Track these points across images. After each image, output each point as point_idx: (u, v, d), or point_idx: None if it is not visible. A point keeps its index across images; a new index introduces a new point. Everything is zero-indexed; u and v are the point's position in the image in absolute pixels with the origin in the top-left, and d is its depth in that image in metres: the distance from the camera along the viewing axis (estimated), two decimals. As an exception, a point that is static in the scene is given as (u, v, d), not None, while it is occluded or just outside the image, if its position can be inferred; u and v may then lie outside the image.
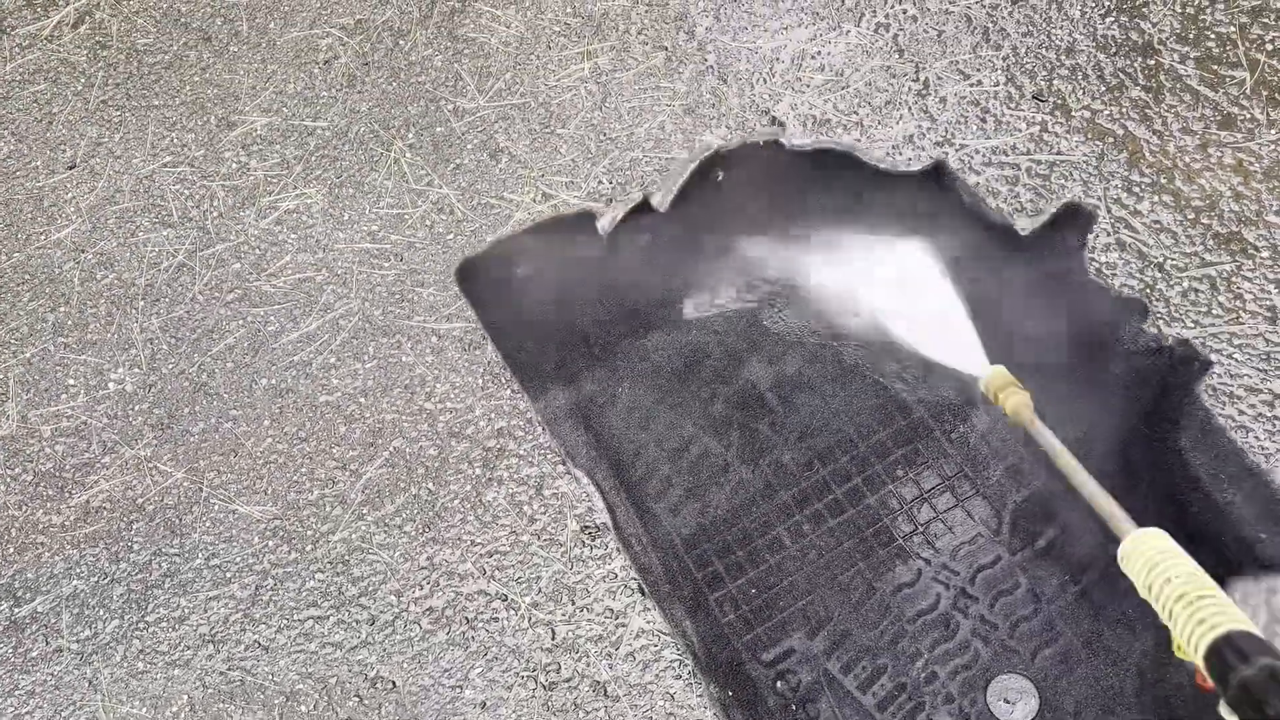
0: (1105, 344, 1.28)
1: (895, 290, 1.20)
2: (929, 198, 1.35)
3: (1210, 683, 0.64)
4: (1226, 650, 0.62)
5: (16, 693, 1.25)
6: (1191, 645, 0.65)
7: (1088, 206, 1.33)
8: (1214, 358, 1.23)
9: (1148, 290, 1.29)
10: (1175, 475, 1.21)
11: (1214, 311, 1.26)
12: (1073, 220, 1.31)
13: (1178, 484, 1.21)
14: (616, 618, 1.22)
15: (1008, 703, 1.18)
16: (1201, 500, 1.18)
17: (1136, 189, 1.36)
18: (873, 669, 1.21)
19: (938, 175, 1.35)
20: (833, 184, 1.44)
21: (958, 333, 1.09)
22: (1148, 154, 1.38)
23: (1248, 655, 0.61)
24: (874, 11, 1.57)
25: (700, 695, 1.18)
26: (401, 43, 1.69)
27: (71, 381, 1.45)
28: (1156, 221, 1.33)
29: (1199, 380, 1.20)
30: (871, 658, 1.21)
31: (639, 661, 1.19)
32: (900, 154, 1.43)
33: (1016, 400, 0.95)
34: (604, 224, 1.38)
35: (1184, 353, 1.21)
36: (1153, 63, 1.45)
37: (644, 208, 1.40)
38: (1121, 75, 1.44)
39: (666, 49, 1.60)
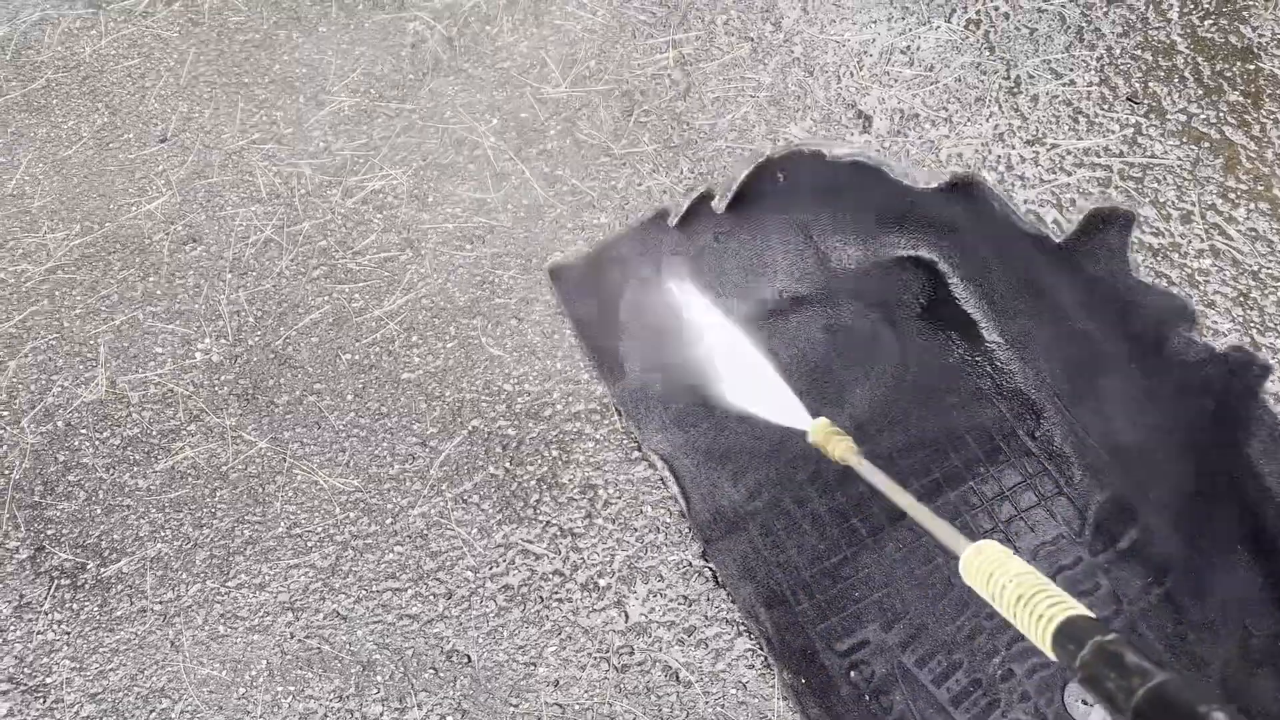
0: (1155, 352, 1.25)
1: (716, 361, 1.26)
2: (957, 212, 1.33)
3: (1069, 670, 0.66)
4: (1064, 639, 0.64)
5: (101, 650, 1.28)
6: (1040, 642, 0.67)
7: (1123, 209, 1.29)
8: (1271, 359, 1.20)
9: (1241, 299, 1.27)
10: (1247, 485, 1.19)
11: (1312, 320, 1.23)
12: (1109, 224, 1.28)
13: (1250, 495, 1.19)
14: (690, 604, 1.22)
15: (1086, 704, 1.16)
16: (1275, 510, 1.16)
17: (1232, 195, 1.33)
18: (948, 664, 1.20)
19: (966, 189, 1.29)
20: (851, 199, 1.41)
21: (778, 394, 1.17)
22: (1244, 160, 1.36)
23: (1082, 639, 0.62)
24: (965, 7, 1.56)
25: (772, 685, 1.18)
26: (488, 28, 1.70)
27: (159, 350, 1.48)
28: (1252, 229, 1.30)
29: (1260, 385, 1.17)
30: (947, 652, 1.20)
31: (712, 649, 1.19)
32: (939, 167, 1.42)
33: (843, 446, 1.03)
34: (671, 219, 1.38)
35: (1241, 358, 1.18)
36: (1252, 67, 1.42)
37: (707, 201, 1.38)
38: (1220, 79, 1.42)
39: (752, 40, 1.60)
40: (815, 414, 1.12)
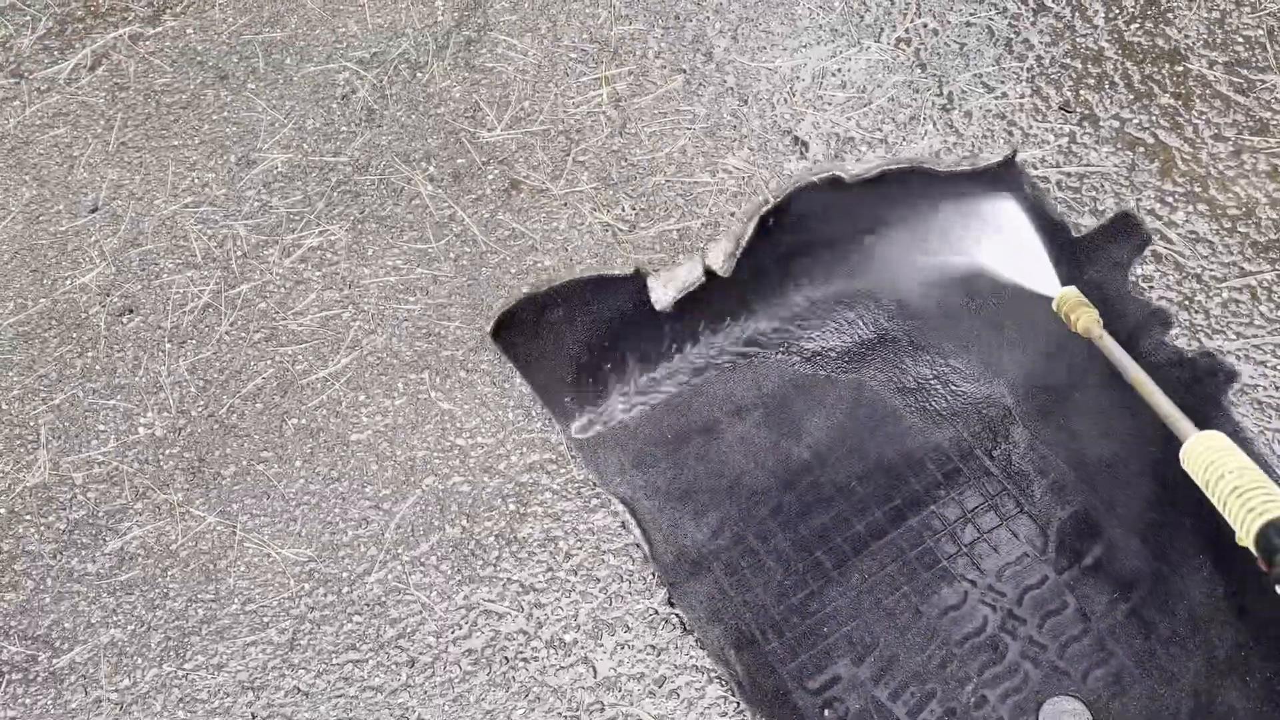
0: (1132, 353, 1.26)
1: (982, 225, 1.27)
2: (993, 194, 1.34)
3: (1265, 565, 0.71)
4: (1272, 532, 0.68)
5: (57, 745, 1.24)
6: (1244, 531, 0.71)
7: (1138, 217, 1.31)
8: (1257, 370, 1.20)
9: (1186, 302, 1.27)
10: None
11: (1256, 322, 1.24)
12: (1124, 228, 1.29)
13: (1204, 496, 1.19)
14: (659, 653, 1.20)
15: (1060, 727, 1.16)
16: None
17: (1170, 199, 1.33)
18: (921, 694, 1.19)
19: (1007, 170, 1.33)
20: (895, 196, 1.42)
21: (1035, 260, 1.18)
22: (1180, 162, 1.36)
23: None
24: (894, 27, 1.56)
25: (747, 730, 1.16)
26: (419, 74, 1.68)
27: (102, 427, 1.45)
28: (1193, 232, 1.31)
29: (1225, 391, 1.18)
30: (920, 683, 1.19)
31: (684, 699, 1.17)
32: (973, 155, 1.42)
33: (1087, 317, 1.05)
34: (661, 299, 1.35)
35: (1208, 364, 1.19)
36: (1181, 69, 1.43)
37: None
38: (1150, 83, 1.43)
39: (685, 71, 1.59)
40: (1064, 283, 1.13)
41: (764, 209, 1.37)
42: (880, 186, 1.36)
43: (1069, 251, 1.28)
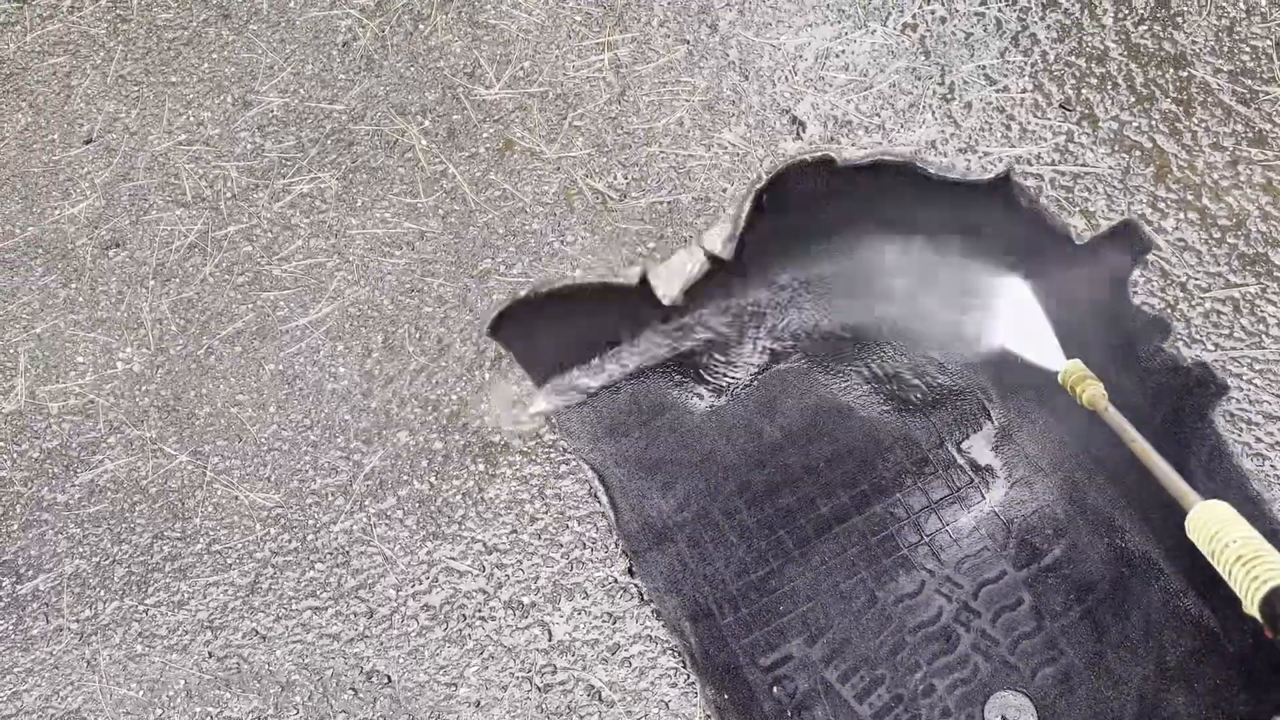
0: (1124, 359, 1.26)
1: (987, 301, 1.29)
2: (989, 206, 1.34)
3: (1270, 632, 0.74)
4: (1276, 600, 0.70)
5: (15, 670, 1.26)
6: (1249, 599, 0.73)
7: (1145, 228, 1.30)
8: (1233, 383, 1.20)
9: (1169, 309, 1.27)
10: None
11: (1236, 335, 1.23)
12: (1126, 235, 1.29)
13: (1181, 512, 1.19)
14: (615, 621, 1.21)
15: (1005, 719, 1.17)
16: None
17: (1162, 204, 1.33)
18: (870, 679, 1.20)
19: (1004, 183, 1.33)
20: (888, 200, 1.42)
21: (1038, 332, 1.20)
22: (1175, 169, 1.35)
23: None
24: (901, 11, 1.54)
25: (695, 704, 1.17)
26: (421, 26, 1.67)
27: (80, 359, 1.45)
28: (1181, 239, 1.30)
29: (1214, 405, 1.18)
30: (870, 667, 1.20)
31: (635, 668, 1.18)
32: (967, 163, 1.41)
33: (1093, 390, 1.07)
34: (668, 294, 1.33)
35: (1201, 375, 1.19)
36: (1185, 74, 1.41)
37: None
38: (1152, 86, 1.41)
39: (688, 42, 1.58)
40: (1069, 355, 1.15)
41: (757, 186, 1.36)
42: (873, 215, 1.36)
43: (1071, 261, 1.28)
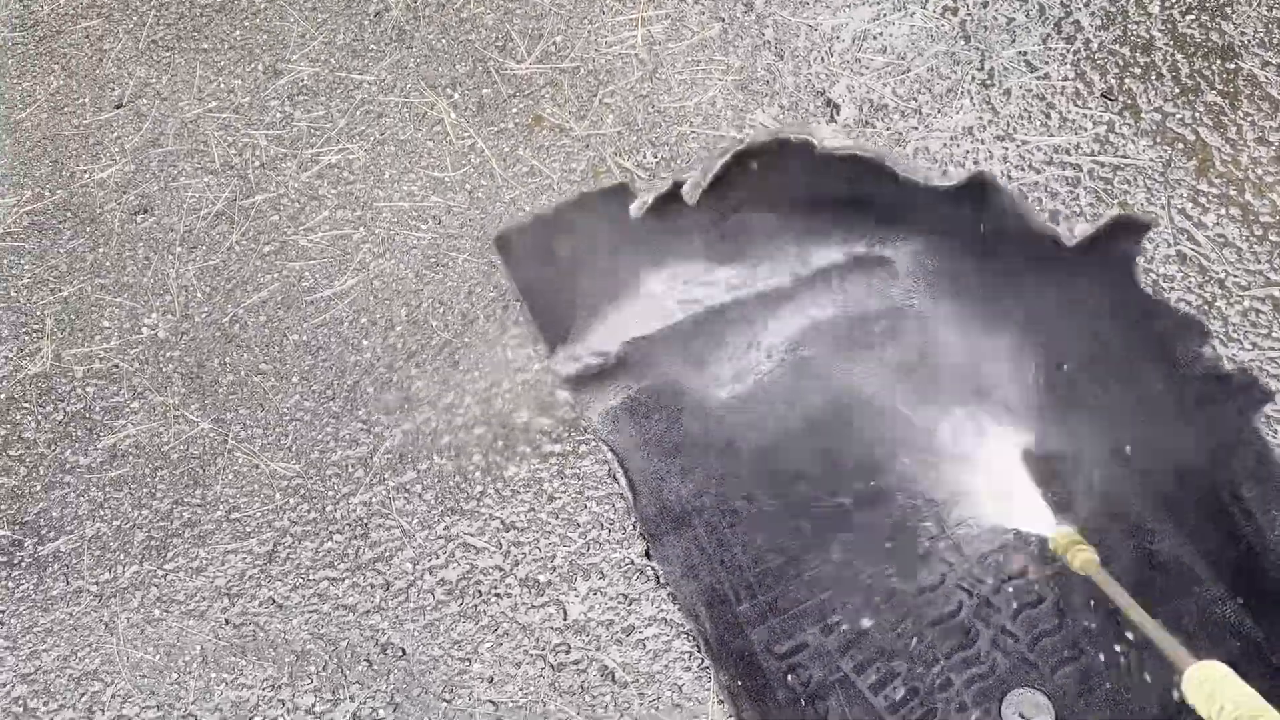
0: (1157, 362, 1.23)
1: (970, 470, 1.29)
2: (969, 211, 1.30)
3: None
4: None
5: (35, 630, 1.27)
6: None
7: (1142, 218, 1.27)
8: (1274, 384, 1.18)
9: (1206, 306, 1.24)
10: (1227, 505, 1.17)
11: (1274, 334, 1.20)
12: (1124, 231, 1.25)
13: (1229, 514, 1.17)
14: (630, 603, 1.21)
15: (1022, 717, 1.15)
16: (1253, 533, 1.15)
17: (1203, 200, 1.30)
18: (886, 671, 1.18)
19: (980, 189, 1.27)
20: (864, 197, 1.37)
21: (1027, 499, 1.22)
22: (1218, 163, 1.32)
23: None
24: (942, -6, 1.51)
25: (708, 687, 1.16)
26: (454, -2, 1.66)
27: (106, 324, 1.46)
28: (1221, 235, 1.27)
29: (1257, 410, 1.15)
30: (886, 659, 1.19)
31: (650, 650, 1.18)
32: (941, 167, 1.38)
33: (1083, 557, 1.10)
34: (634, 208, 1.34)
35: (1244, 380, 1.16)
36: (1232, 66, 1.38)
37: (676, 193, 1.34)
38: (1198, 78, 1.38)
39: (723, 20, 1.55)
40: (1059, 521, 1.18)
41: (736, 148, 1.32)
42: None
43: (1061, 262, 1.25)
